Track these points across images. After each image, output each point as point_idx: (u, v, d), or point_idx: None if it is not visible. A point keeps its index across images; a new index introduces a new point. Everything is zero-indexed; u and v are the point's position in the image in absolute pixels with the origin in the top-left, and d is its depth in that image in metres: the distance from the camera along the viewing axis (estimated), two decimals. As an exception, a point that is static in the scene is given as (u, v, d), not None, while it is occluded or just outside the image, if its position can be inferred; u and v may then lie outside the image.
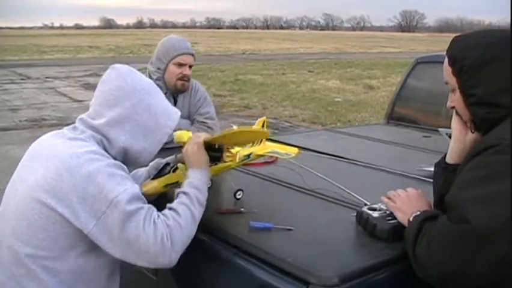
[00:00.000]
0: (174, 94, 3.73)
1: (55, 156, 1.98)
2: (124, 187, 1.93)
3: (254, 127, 2.69)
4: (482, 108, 1.81)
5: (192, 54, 3.73)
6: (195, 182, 2.15)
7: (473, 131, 1.89)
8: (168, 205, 2.10)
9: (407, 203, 2.04)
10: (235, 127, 2.84)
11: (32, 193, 1.95)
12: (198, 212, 2.09)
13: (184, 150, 2.28)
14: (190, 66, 3.70)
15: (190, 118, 3.79)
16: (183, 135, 2.48)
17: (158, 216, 1.99)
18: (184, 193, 2.12)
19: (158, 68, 3.65)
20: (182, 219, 2.02)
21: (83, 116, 2.14)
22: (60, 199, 1.89)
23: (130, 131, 2.08)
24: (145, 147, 2.13)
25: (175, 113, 2.24)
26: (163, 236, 1.93)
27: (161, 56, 3.65)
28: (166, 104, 2.22)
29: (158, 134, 2.14)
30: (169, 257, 1.95)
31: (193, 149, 2.23)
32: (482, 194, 1.62)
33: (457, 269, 1.63)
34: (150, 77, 3.57)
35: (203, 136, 2.28)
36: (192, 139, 2.28)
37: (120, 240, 1.91)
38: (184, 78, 3.66)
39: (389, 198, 2.12)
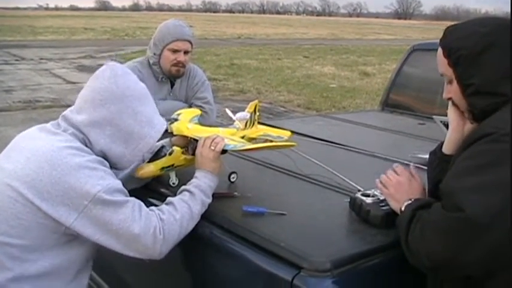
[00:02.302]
0: (171, 78, 3.71)
1: (37, 149, 1.95)
2: (107, 181, 1.91)
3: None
4: (480, 97, 1.80)
5: (189, 41, 3.65)
6: (203, 186, 2.17)
7: (471, 121, 1.88)
8: (168, 199, 2.11)
9: (399, 191, 2.03)
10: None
11: (9, 181, 1.91)
12: (198, 212, 2.11)
13: (197, 152, 2.27)
14: (186, 52, 3.64)
15: (188, 102, 3.77)
16: (182, 127, 2.47)
17: (151, 209, 2.00)
18: (189, 191, 2.13)
19: (155, 53, 3.62)
20: (178, 215, 2.03)
21: (66, 113, 2.09)
22: (40, 192, 1.87)
23: (111, 136, 2.03)
24: (124, 153, 2.08)
25: (162, 124, 2.17)
26: (156, 229, 1.94)
27: (157, 42, 3.62)
28: (154, 113, 2.15)
29: (140, 142, 2.09)
30: (159, 249, 1.96)
31: (209, 155, 2.24)
32: (478, 182, 1.61)
33: (450, 258, 1.63)
34: (148, 62, 3.64)
35: (221, 144, 2.26)
36: (207, 142, 2.27)
37: (108, 232, 1.91)
38: (178, 64, 3.61)
39: (382, 183, 2.11)
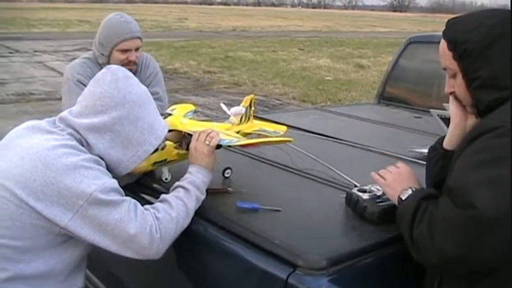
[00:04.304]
0: None
1: (31, 147, 1.91)
2: (103, 181, 1.88)
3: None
4: (486, 91, 1.76)
5: (138, 37, 3.38)
6: (197, 182, 2.14)
7: (476, 116, 1.85)
8: (162, 196, 2.09)
9: (397, 180, 2.01)
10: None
11: (2, 181, 1.88)
12: (193, 208, 2.09)
13: (191, 146, 2.24)
14: (137, 49, 3.40)
15: None
16: (176, 122, 2.44)
17: (146, 208, 1.98)
18: (184, 188, 2.10)
19: (102, 54, 3.37)
20: (174, 213, 2.01)
21: (64, 114, 2.04)
22: (33, 192, 1.83)
23: (110, 141, 1.99)
24: (122, 159, 2.03)
25: (162, 129, 2.13)
26: (152, 228, 1.91)
27: (103, 42, 3.35)
28: (154, 118, 2.11)
29: (140, 149, 2.05)
30: (157, 248, 1.94)
31: (203, 150, 2.21)
32: (487, 177, 1.59)
33: (460, 255, 1.60)
34: (97, 61, 3.40)
35: (216, 139, 2.23)
36: (201, 136, 2.24)
37: (104, 232, 1.87)
38: (130, 63, 3.32)
39: (379, 175, 2.08)
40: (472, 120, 1.87)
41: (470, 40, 1.77)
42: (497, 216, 1.54)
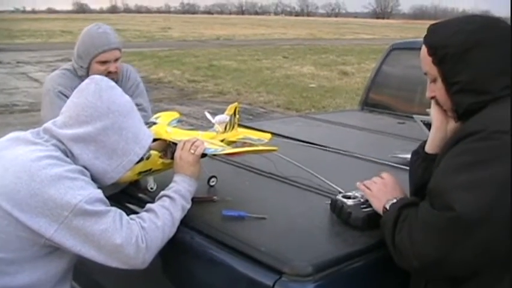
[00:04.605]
0: None
1: (15, 158, 1.90)
2: (88, 191, 1.87)
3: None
4: (466, 95, 1.78)
5: (117, 48, 3.37)
6: (182, 191, 2.14)
7: (456, 120, 1.87)
8: (148, 206, 2.08)
9: (382, 190, 2.03)
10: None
11: None
12: (179, 218, 2.09)
13: (176, 155, 2.24)
14: (117, 60, 3.38)
15: None
16: (161, 131, 2.44)
17: (132, 218, 1.97)
18: (169, 197, 2.11)
19: (81, 66, 3.35)
20: (160, 222, 2.00)
21: (48, 125, 2.03)
22: (18, 203, 1.82)
23: (94, 151, 1.99)
24: (107, 170, 2.03)
25: (147, 138, 2.13)
26: (138, 238, 1.91)
27: (82, 54, 3.33)
28: (139, 127, 2.11)
29: (125, 159, 2.05)
30: (143, 258, 1.93)
31: (188, 159, 2.21)
32: (467, 180, 1.61)
33: (441, 258, 1.62)
34: (76, 73, 3.38)
35: (201, 147, 2.24)
36: (186, 145, 2.24)
37: (90, 243, 1.87)
38: (110, 74, 3.26)
39: (364, 185, 2.10)
40: (452, 124, 1.90)
41: (449, 45, 1.79)
42: (475, 218, 1.57)
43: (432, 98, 1.92)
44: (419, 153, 2.04)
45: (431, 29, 1.89)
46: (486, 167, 1.60)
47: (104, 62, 3.31)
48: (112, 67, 3.33)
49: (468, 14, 2.06)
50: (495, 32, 1.80)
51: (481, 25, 1.82)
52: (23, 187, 1.83)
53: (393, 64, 4.82)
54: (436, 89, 1.87)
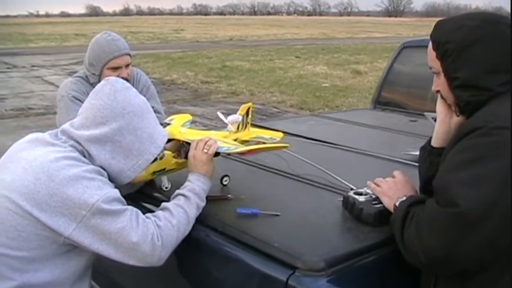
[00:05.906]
0: None
1: (34, 159, 1.95)
2: (105, 191, 1.91)
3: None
4: (466, 91, 1.81)
5: (127, 54, 3.43)
6: (197, 190, 2.18)
7: (457, 114, 1.90)
8: (163, 205, 2.12)
9: (393, 188, 2.05)
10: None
11: (7, 193, 1.91)
12: (194, 216, 2.12)
13: (190, 155, 2.28)
14: (127, 65, 3.44)
15: None
16: (175, 131, 2.48)
17: (148, 216, 2.01)
18: (184, 196, 2.14)
19: (93, 74, 3.40)
20: (175, 220, 2.04)
21: (66, 127, 2.08)
22: (38, 203, 1.87)
23: (111, 151, 2.03)
24: (124, 169, 2.08)
25: (162, 137, 2.18)
26: (153, 236, 1.95)
27: (93, 62, 3.39)
28: (154, 127, 2.15)
29: (140, 158, 2.09)
30: (158, 255, 1.97)
31: (202, 158, 2.25)
32: (470, 176, 1.63)
33: (447, 253, 1.64)
34: (88, 80, 3.43)
35: (214, 146, 2.27)
36: (200, 144, 2.28)
37: (107, 241, 1.91)
38: None
39: (375, 183, 2.13)
40: (456, 118, 1.92)
41: (451, 40, 1.82)
42: (478, 213, 1.59)
43: (437, 91, 1.96)
44: (426, 148, 2.07)
45: (437, 25, 1.94)
46: (487, 163, 1.63)
47: (115, 68, 3.36)
48: (123, 73, 3.37)
49: (474, 11, 2.09)
50: (495, 29, 1.82)
51: (482, 22, 1.84)
52: (42, 187, 1.87)
53: (405, 62, 4.82)
54: (440, 83, 1.91)
